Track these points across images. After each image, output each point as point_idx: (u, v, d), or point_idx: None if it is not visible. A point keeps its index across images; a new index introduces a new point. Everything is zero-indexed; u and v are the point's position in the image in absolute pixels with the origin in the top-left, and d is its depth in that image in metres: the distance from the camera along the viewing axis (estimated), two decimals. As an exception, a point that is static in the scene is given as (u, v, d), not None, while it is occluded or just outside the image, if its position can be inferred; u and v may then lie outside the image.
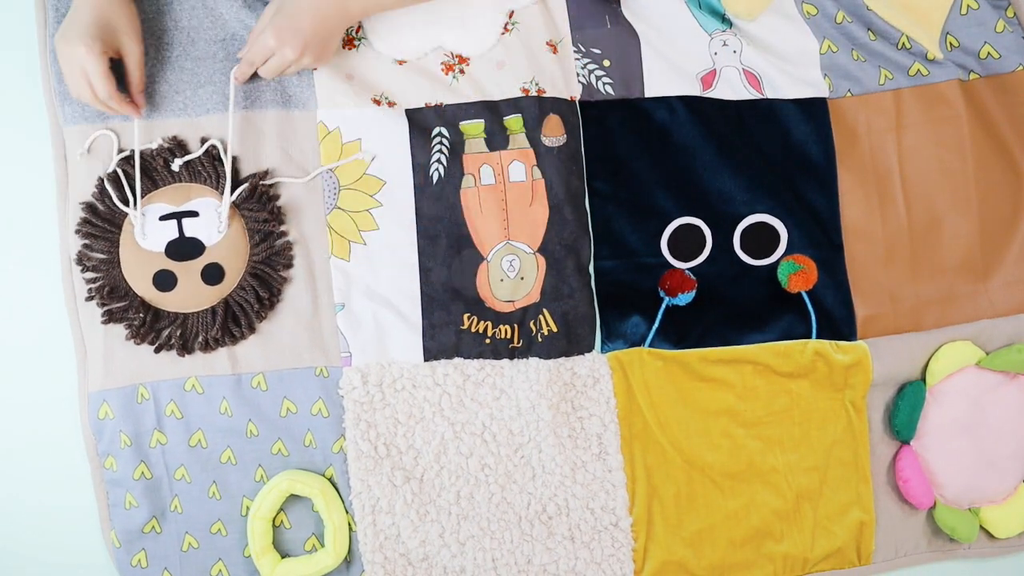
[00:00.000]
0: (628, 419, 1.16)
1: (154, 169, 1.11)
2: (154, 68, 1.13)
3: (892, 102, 1.23)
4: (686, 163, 1.19)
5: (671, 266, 1.18)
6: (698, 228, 1.18)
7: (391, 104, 1.15)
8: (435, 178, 1.15)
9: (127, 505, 1.11)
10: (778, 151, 1.21)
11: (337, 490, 1.12)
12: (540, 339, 1.14)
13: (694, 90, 1.21)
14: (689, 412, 1.17)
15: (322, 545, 1.12)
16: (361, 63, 1.16)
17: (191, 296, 1.10)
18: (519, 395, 1.14)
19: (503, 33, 1.19)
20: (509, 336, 1.14)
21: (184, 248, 1.10)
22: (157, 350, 1.10)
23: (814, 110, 1.22)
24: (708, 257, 1.19)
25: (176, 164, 1.10)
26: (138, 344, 1.09)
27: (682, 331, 1.17)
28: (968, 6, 1.26)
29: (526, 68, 1.18)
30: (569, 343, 1.15)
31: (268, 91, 1.14)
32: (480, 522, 1.13)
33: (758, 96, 1.21)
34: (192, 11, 1.14)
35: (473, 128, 1.17)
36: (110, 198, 1.10)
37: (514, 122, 1.17)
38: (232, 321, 1.10)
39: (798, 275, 1.17)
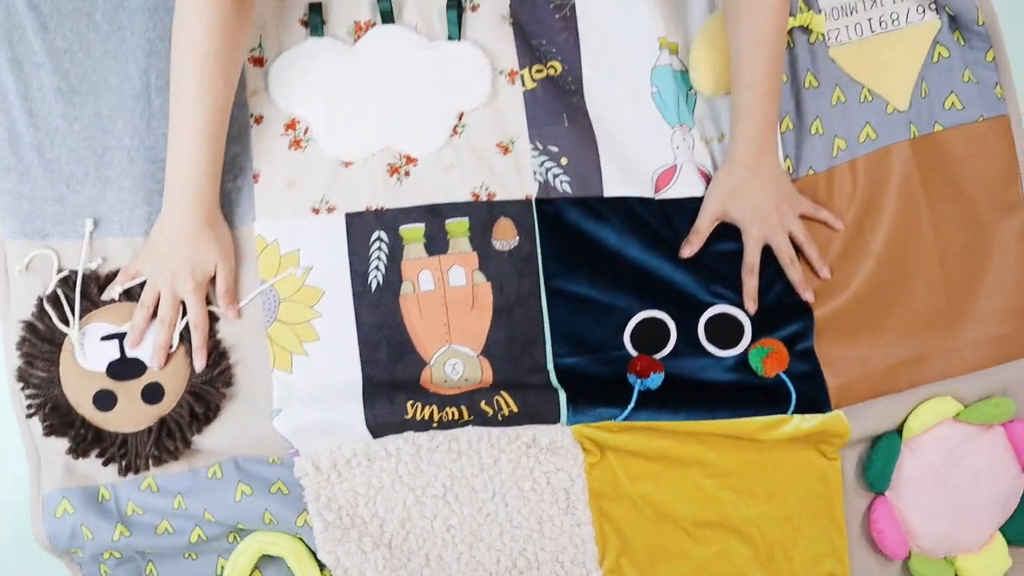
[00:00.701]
0: (596, 472, 1.15)
1: (95, 289, 1.10)
2: (94, 187, 1.11)
3: (848, 172, 1.19)
4: (645, 260, 1.16)
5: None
6: (661, 321, 1.16)
7: (331, 210, 1.12)
8: (374, 285, 1.13)
9: (102, 574, 1.15)
10: (736, 245, 1.17)
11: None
12: (500, 419, 1.12)
13: (651, 189, 1.16)
14: (659, 465, 1.16)
15: None
16: (306, 166, 1.13)
17: (130, 416, 1.09)
18: (481, 452, 1.13)
19: (452, 135, 1.15)
20: (458, 417, 1.12)
21: (125, 368, 1.10)
22: (105, 463, 1.11)
23: None
24: (673, 350, 1.16)
25: (116, 292, 1.10)
26: (80, 459, 1.11)
27: (653, 412, 1.14)
28: (939, 54, 1.20)
29: (475, 172, 1.14)
30: (532, 421, 1.13)
31: None
32: None
33: None
34: (134, 130, 1.12)
35: (413, 233, 1.13)
36: (49, 318, 1.09)
37: (456, 226, 1.14)
38: (167, 436, 1.10)
39: (771, 357, 1.14)
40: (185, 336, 1.10)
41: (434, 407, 1.11)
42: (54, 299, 1.09)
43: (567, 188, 1.15)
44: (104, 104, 1.12)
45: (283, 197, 1.12)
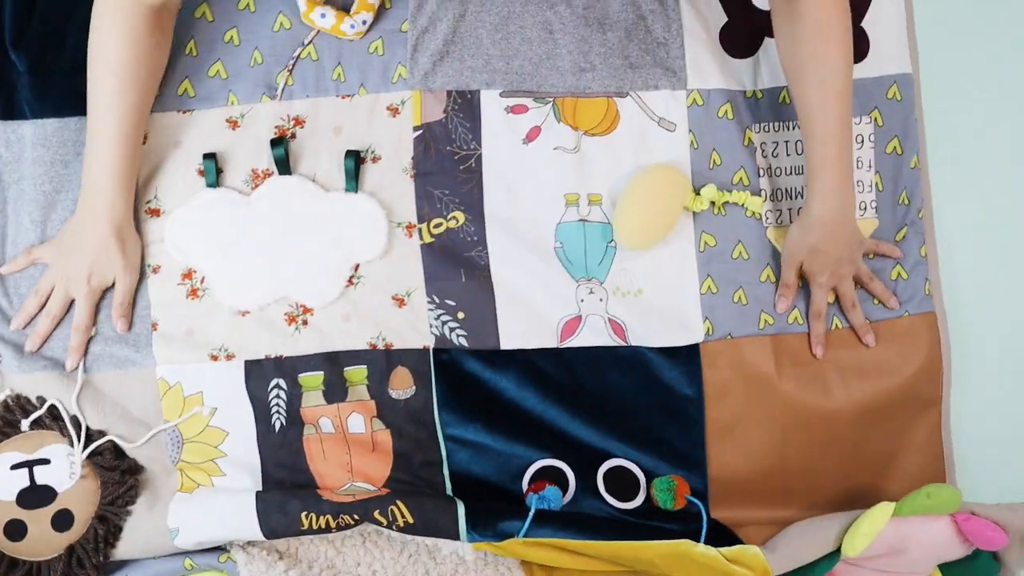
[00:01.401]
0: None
1: (1, 420, 1.14)
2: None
3: (771, 347, 1.19)
4: (543, 411, 1.17)
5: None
6: (560, 469, 1.18)
7: (229, 357, 1.15)
8: (277, 426, 1.16)
9: None
10: (640, 397, 1.18)
11: None
12: (395, 528, 1.13)
13: (553, 341, 1.17)
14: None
15: None
16: (203, 315, 1.15)
17: (41, 545, 1.14)
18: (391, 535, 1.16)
19: (348, 286, 1.15)
20: (353, 523, 1.13)
21: (36, 496, 1.14)
22: None
23: (681, 357, 1.17)
24: (573, 498, 1.18)
25: (24, 424, 1.13)
26: None
27: (554, 530, 1.14)
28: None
29: (372, 322, 1.15)
30: (428, 533, 1.14)
31: (105, 354, 1.14)
32: None
33: (621, 344, 1.17)
34: (20, 277, 1.14)
35: (312, 381, 1.16)
36: (-42, 451, 1.14)
37: (355, 374, 1.16)
38: (77, 565, 1.15)
39: (678, 487, 1.16)
40: (94, 460, 1.14)
41: (328, 517, 1.12)
42: (-37, 432, 1.14)
43: (463, 341, 1.16)
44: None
45: (182, 345, 1.14)
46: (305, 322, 1.15)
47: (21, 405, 1.14)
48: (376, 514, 1.10)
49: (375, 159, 1.16)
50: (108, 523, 1.14)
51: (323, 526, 1.11)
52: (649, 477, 1.17)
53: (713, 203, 1.18)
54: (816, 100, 1.09)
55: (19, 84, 1.14)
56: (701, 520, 1.14)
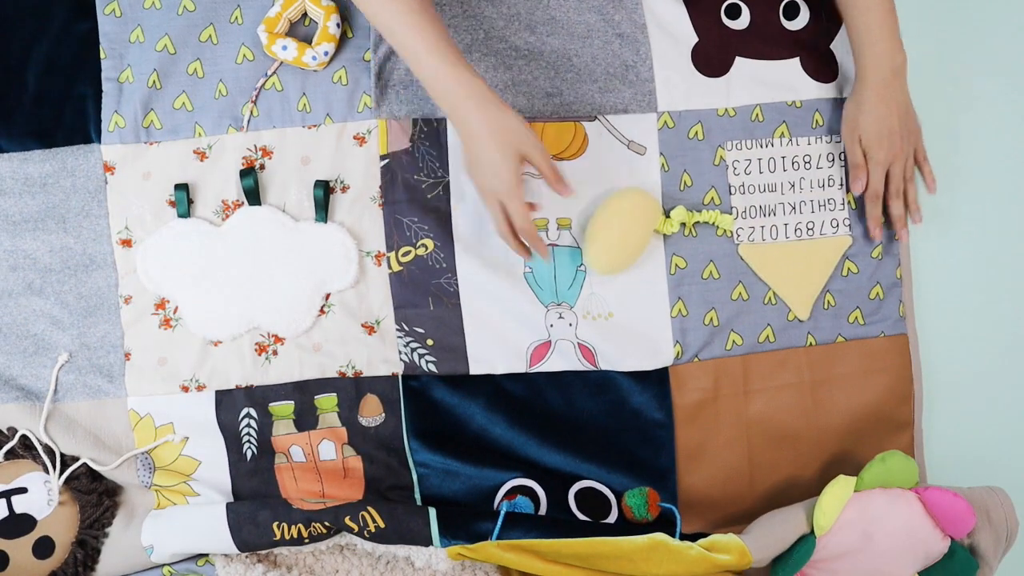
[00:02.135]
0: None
1: (-20, 454, 1.16)
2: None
3: (740, 367, 1.19)
4: (512, 438, 1.17)
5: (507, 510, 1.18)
6: (531, 489, 1.18)
7: (200, 388, 1.15)
8: (249, 455, 1.16)
9: None
10: (610, 421, 1.18)
11: None
12: (367, 535, 1.13)
13: (522, 366, 1.17)
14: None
15: None
16: (175, 344, 1.16)
17: (24, 574, 1.16)
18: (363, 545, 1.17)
19: (319, 315, 1.16)
20: (325, 531, 1.13)
21: (15, 526, 1.16)
22: None
23: (651, 381, 1.18)
24: (547, 515, 1.17)
25: None
26: None
27: (524, 531, 1.15)
28: (849, 269, 1.21)
29: (342, 351, 1.16)
30: (401, 539, 1.14)
31: (79, 384, 1.15)
32: None
33: (591, 368, 1.17)
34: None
35: (282, 410, 1.16)
36: (-62, 482, 1.15)
37: (325, 401, 1.17)
38: None
39: (650, 495, 1.16)
40: (71, 485, 1.15)
41: (300, 525, 1.12)
42: (-58, 464, 1.15)
43: (432, 368, 1.16)
44: None
45: (154, 375, 1.15)
46: (275, 352, 1.16)
47: (-1, 436, 1.15)
48: (347, 520, 1.10)
49: (344, 188, 1.16)
50: (87, 547, 1.16)
51: (295, 536, 1.12)
52: (619, 498, 1.18)
53: (684, 224, 1.18)
54: None
55: None
56: (674, 529, 1.14)
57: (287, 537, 1.11)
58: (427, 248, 1.16)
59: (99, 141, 1.15)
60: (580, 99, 1.18)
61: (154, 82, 1.15)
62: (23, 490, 1.16)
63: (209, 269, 1.15)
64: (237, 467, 1.16)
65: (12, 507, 1.16)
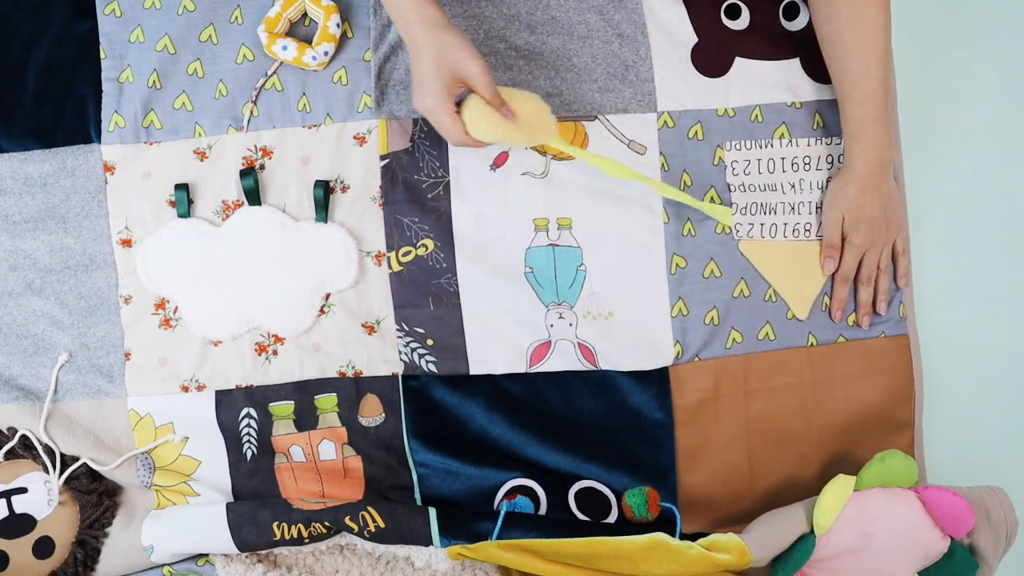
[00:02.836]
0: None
1: (-22, 453, 1.16)
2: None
3: (741, 367, 1.19)
4: (512, 438, 1.17)
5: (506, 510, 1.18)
6: (531, 489, 1.18)
7: (200, 388, 1.15)
8: (248, 455, 1.17)
9: None
10: (610, 421, 1.18)
11: None
12: (367, 535, 1.13)
13: (522, 366, 1.17)
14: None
15: None
16: (175, 345, 1.16)
17: (24, 574, 1.16)
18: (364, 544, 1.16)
19: (319, 315, 1.16)
20: (325, 531, 1.14)
21: (15, 526, 1.16)
22: None
23: (651, 381, 1.17)
24: (547, 515, 1.18)
25: None
26: None
27: (524, 531, 1.15)
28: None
29: (342, 351, 1.16)
30: (401, 539, 1.14)
31: (79, 384, 1.15)
32: None
33: (591, 368, 1.17)
34: None
35: (282, 410, 1.16)
36: (-62, 482, 1.15)
37: (325, 401, 1.17)
38: None
39: (650, 495, 1.16)
40: (71, 485, 1.16)
41: (300, 525, 1.12)
42: (-57, 463, 1.15)
43: (432, 368, 1.16)
44: None
45: (154, 375, 1.15)
46: (275, 352, 1.16)
47: (-3, 437, 1.15)
48: (347, 520, 1.10)
49: (344, 188, 1.16)
50: (87, 547, 1.16)
51: (295, 536, 1.12)
52: (619, 497, 1.18)
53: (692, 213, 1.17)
54: (857, 64, 1.11)
55: None
56: (674, 528, 1.14)
57: (287, 537, 1.12)
58: (427, 248, 1.16)
59: (99, 141, 1.15)
60: (580, 99, 1.18)
61: (154, 82, 1.15)
62: (23, 490, 1.16)
63: (209, 269, 1.15)
64: (237, 467, 1.16)
65: (12, 507, 1.16)
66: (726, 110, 1.20)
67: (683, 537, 1.13)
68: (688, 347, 1.18)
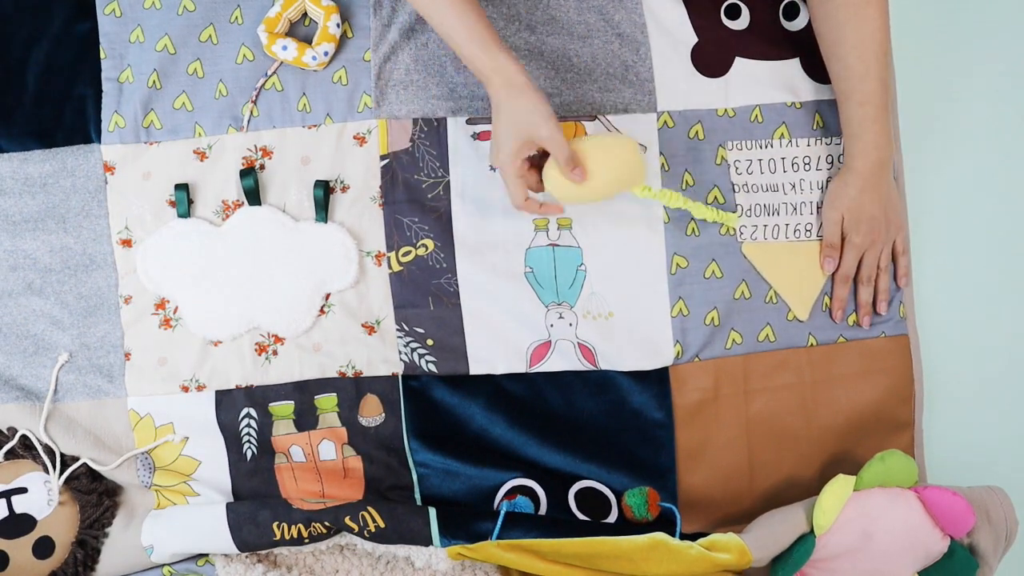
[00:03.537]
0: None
1: (-21, 454, 1.16)
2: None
3: (741, 367, 1.19)
4: (512, 438, 1.17)
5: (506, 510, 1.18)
6: (531, 488, 1.18)
7: (200, 388, 1.15)
8: (248, 455, 1.17)
9: None
10: (610, 421, 1.18)
11: None
12: (367, 535, 1.13)
13: (522, 366, 1.17)
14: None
15: None
16: (175, 345, 1.16)
17: (24, 573, 1.16)
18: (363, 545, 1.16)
19: (319, 315, 1.16)
20: (325, 531, 1.13)
21: (15, 526, 1.16)
22: None
23: (651, 381, 1.18)
24: (547, 515, 1.18)
25: None
26: None
27: (524, 531, 1.15)
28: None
29: (342, 351, 1.16)
30: (401, 539, 1.14)
31: (79, 384, 1.15)
32: None
33: (591, 368, 1.17)
34: None
35: (282, 410, 1.16)
36: (-62, 482, 1.15)
37: (325, 401, 1.17)
38: None
39: (650, 495, 1.16)
40: (71, 485, 1.15)
41: (300, 525, 1.12)
42: (-57, 463, 1.15)
43: (432, 368, 1.16)
44: None
45: (154, 375, 1.15)
46: (275, 352, 1.16)
47: (-12, 436, 1.15)
48: (347, 520, 1.10)
49: (344, 188, 1.16)
50: (87, 547, 1.16)
51: (295, 536, 1.12)
52: (619, 497, 1.18)
53: (678, 210, 1.16)
54: (856, 64, 1.11)
55: None
56: (674, 528, 1.14)
57: (287, 537, 1.11)
58: (427, 248, 1.16)
59: (99, 141, 1.15)
60: (580, 99, 1.18)
61: (154, 82, 1.15)
62: (23, 490, 1.16)
63: (209, 269, 1.15)
64: (237, 467, 1.16)
65: (12, 507, 1.16)
66: (726, 110, 1.20)
67: (683, 537, 1.13)
68: (688, 347, 1.18)
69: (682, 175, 1.18)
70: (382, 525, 1.10)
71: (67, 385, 1.15)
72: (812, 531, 1.12)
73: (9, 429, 1.15)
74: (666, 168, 1.18)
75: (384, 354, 1.16)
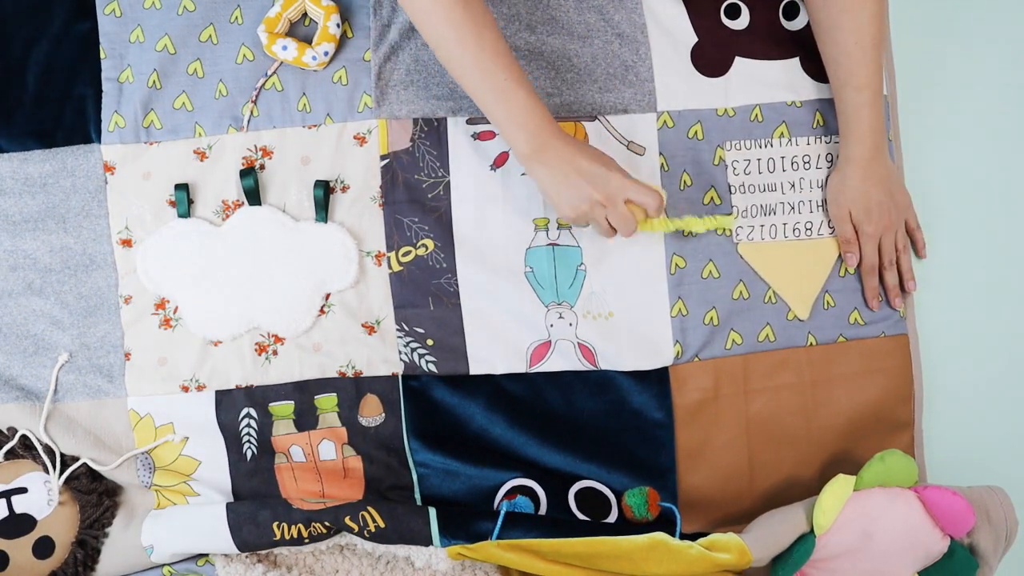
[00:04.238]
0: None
1: (-21, 453, 1.16)
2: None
3: (740, 367, 1.19)
4: (512, 438, 1.17)
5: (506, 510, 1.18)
6: (531, 489, 1.18)
7: (200, 388, 1.16)
8: (248, 455, 1.17)
9: None
10: (610, 421, 1.18)
11: None
12: (367, 535, 1.13)
13: (522, 366, 1.17)
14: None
15: None
16: (175, 345, 1.16)
17: (24, 573, 1.16)
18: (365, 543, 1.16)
19: (319, 315, 1.16)
20: (325, 531, 1.13)
21: (15, 526, 1.16)
22: None
23: (651, 381, 1.18)
24: (547, 515, 1.17)
25: None
26: None
27: (524, 531, 1.15)
28: (846, 270, 1.20)
29: (342, 351, 1.16)
30: (401, 539, 1.14)
31: (79, 384, 1.15)
32: None
33: (591, 368, 1.17)
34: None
35: (282, 410, 1.17)
36: (-62, 482, 1.15)
37: (325, 401, 1.17)
38: None
39: (650, 495, 1.16)
40: (71, 485, 1.15)
41: (300, 525, 1.12)
42: (-57, 462, 1.15)
43: (432, 368, 1.16)
44: None
45: (154, 375, 1.15)
46: (275, 352, 1.16)
47: (-3, 437, 1.15)
48: (347, 520, 1.10)
49: (344, 188, 1.16)
50: (87, 547, 1.16)
51: (295, 536, 1.12)
52: (619, 497, 1.18)
53: (683, 232, 1.18)
54: (854, 50, 1.11)
55: None
56: (674, 528, 1.14)
57: (287, 537, 1.11)
58: (427, 248, 1.16)
59: (99, 141, 1.15)
60: (580, 99, 1.18)
61: (154, 82, 1.15)
62: (23, 490, 1.16)
63: (209, 269, 1.15)
64: (237, 467, 1.16)
65: (12, 507, 1.16)
66: (726, 110, 1.20)
67: (683, 537, 1.13)
68: (688, 347, 1.18)
69: (680, 175, 1.18)
70: (382, 525, 1.10)
71: (67, 385, 1.15)
72: (812, 531, 1.12)
73: (9, 429, 1.15)
74: (665, 168, 1.18)
75: (384, 354, 1.16)
